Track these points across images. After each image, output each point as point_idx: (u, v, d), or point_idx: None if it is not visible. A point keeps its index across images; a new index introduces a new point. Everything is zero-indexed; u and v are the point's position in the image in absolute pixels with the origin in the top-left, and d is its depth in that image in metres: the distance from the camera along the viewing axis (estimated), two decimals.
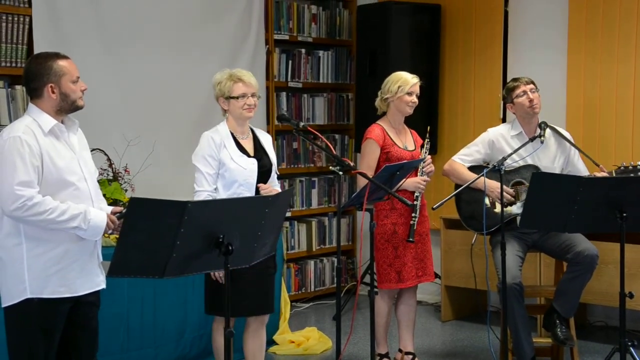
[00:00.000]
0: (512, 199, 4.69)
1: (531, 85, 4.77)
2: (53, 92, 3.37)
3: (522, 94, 4.75)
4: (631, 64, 5.77)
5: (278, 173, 4.42)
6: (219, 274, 4.07)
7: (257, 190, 4.17)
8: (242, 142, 4.24)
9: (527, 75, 4.88)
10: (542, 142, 4.69)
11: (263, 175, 4.22)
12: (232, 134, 4.22)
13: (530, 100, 4.72)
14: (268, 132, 6.07)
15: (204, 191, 4.11)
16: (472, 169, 4.86)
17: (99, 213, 3.38)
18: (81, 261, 3.40)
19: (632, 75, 5.77)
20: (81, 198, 3.38)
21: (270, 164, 4.29)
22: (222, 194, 4.13)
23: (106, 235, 3.59)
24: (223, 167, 4.14)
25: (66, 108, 3.41)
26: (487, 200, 4.72)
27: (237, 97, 4.20)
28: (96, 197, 3.49)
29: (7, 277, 3.33)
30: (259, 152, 4.27)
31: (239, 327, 4.43)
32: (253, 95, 4.23)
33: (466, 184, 4.62)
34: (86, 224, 3.32)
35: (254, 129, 4.37)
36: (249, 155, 4.21)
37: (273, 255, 4.24)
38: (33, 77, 3.40)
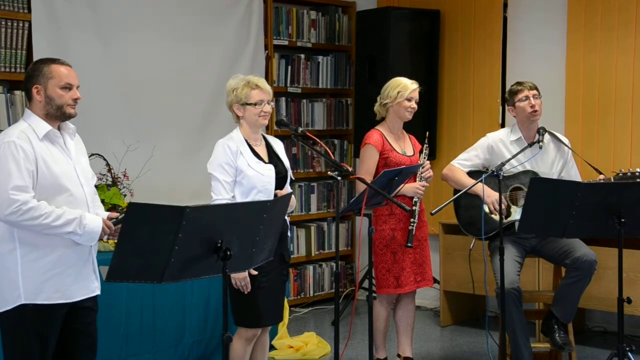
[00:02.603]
0: (506, 209, 4.69)
1: (534, 92, 4.76)
2: (38, 94, 3.37)
3: (524, 99, 4.75)
4: (630, 69, 5.78)
5: (293, 178, 4.40)
6: (240, 283, 4.02)
7: (275, 196, 4.13)
8: (256, 149, 4.20)
9: (526, 80, 4.88)
10: (540, 147, 4.70)
11: (279, 181, 4.19)
12: (246, 141, 4.19)
13: (532, 106, 4.72)
14: None
15: (222, 199, 4.06)
16: (471, 174, 4.86)
17: (95, 218, 3.37)
18: (76, 267, 3.40)
19: (630, 79, 5.78)
20: (76, 203, 3.37)
21: (286, 170, 4.26)
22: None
23: (104, 240, 3.59)
24: (240, 174, 4.09)
25: (52, 113, 3.39)
26: (486, 208, 4.72)
27: (255, 104, 4.16)
28: (92, 203, 3.48)
29: (1, 282, 3.33)
30: (274, 159, 4.24)
31: None
32: (268, 102, 4.20)
33: (464, 190, 4.63)
34: (81, 229, 3.31)
35: (266, 135, 4.34)
36: (264, 162, 4.19)
37: (286, 262, 4.24)
38: (26, 78, 3.43)
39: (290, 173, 4.31)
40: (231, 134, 4.21)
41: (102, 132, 5.34)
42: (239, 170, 4.10)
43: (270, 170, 4.15)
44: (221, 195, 4.07)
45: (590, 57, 5.94)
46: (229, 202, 4.04)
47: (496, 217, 4.56)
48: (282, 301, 4.32)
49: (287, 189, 4.25)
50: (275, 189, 4.16)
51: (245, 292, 4.02)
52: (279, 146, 4.35)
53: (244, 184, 4.10)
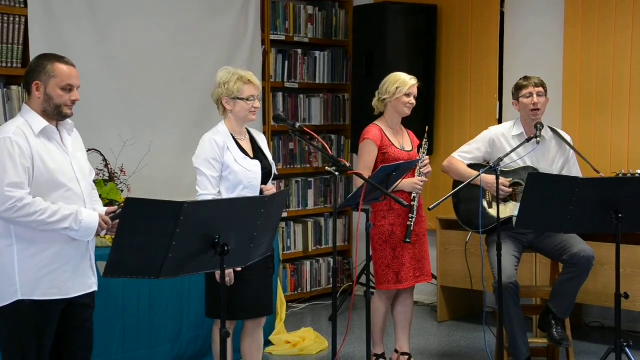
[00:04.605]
0: (509, 190, 4.70)
1: (540, 89, 4.75)
2: (37, 90, 3.36)
3: (528, 95, 4.74)
4: (627, 64, 5.78)
5: (277, 173, 4.38)
6: (227, 277, 4.00)
7: (261, 192, 4.13)
8: (241, 143, 4.18)
9: (532, 74, 4.87)
10: (537, 142, 4.69)
11: (264, 176, 4.17)
12: (231, 135, 4.17)
13: (534, 104, 4.71)
14: (264, 132, 6.11)
15: (208, 194, 4.04)
16: (470, 167, 4.86)
17: (91, 214, 3.36)
18: (73, 263, 3.39)
19: (627, 73, 5.78)
20: (73, 199, 3.37)
21: (270, 165, 4.24)
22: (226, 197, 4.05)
23: (102, 236, 3.58)
24: (227, 169, 4.07)
25: (50, 111, 3.38)
26: (484, 204, 4.72)
27: (247, 99, 4.13)
28: (89, 199, 3.48)
29: None
30: (258, 154, 4.22)
31: (237, 329, 4.42)
32: (258, 98, 4.17)
33: (462, 185, 4.62)
34: (77, 225, 3.30)
35: (250, 129, 4.33)
36: (250, 157, 4.17)
37: (272, 255, 4.23)
38: (27, 73, 3.42)
39: (274, 168, 4.29)
40: (217, 127, 4.18)
41: (98, 127, 5.32)
42: (225, 166, 4.07)
43: (256, 167, 4.13)
44: (207, 190, 4.05)
45: (588, 50, 5.94)
46: (215, 197, 4.03)
47: (494, 210, 4.56)
48: (269, 294, 4.30)
49: (270, 185, 4.24)
50: (260, 184, 4.15)
51: (228, 285, 4.01)
52: (262, 140, 4.32)
53: (231, 180, 4.08)
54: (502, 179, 4.52)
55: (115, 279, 3.20)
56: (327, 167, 4.05)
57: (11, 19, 5.05)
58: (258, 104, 4.17)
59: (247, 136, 4.26)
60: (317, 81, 6.96)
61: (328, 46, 7.03)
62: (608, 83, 5.86)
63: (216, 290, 4.07)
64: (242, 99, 4.12)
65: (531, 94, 4.73)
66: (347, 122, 7.12)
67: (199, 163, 4.09)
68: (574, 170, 4.86)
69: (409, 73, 4.86)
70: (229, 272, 3.98)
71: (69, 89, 3.38)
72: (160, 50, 5.82)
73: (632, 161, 5.67)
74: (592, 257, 4.58)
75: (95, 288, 3.52)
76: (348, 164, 4.07)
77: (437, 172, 5.26)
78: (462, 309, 6.34)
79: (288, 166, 6.74)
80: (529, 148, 4.69)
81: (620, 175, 4.57)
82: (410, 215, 4.73)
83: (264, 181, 4.18)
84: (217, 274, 3.95)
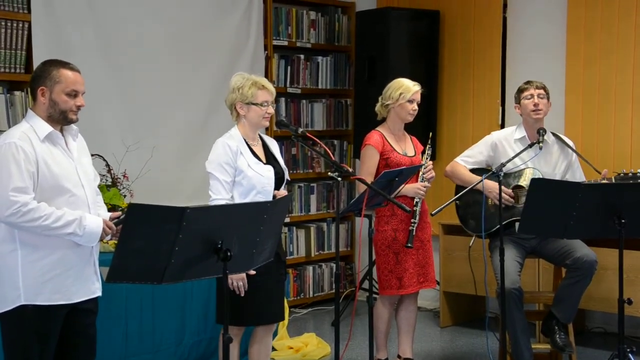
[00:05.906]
0: (512, 200, 4.70)
1: (541, 91, 4.77)
2: (43, 96, 3.37)
3: (529, 97, 4.76)
4: (629, 70, 5.78)
5: (289, 179, 4.38)
6: (236, 284, 3.99)
7: (274, 197, 4.10)
8: (254, 148, 4.17)
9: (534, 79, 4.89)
10: (540, 148, 4.69)
11: (276, 182, 4.16)
12: (244, 140, 4.16)
13: (535, 105, 4.73)
14: None
15: (222, 199, 4.02)
16: (473, 171, 4.87)
17: (95, 219, 3.37)
18: (77, 268, 3.39)
19: (630, 79, 5.78)
20: (77, 204, 3.37)
21: (283, 171, 4.23)
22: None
23: (105, 241, 3.58)
24: (240, 174, 4.06)
25: (55, 117, 3.39)
26: (490, 202, 4.73)
27: (261, 104, 4.12)
28: (93, 204, 3.48)
29: (2, 283, 3.33)
30: (270, 159, 4.22)
31: (246, 332, 4.42)
32: (272, 103, 4.17)
33: (464, 190, 4.62)
34: (81, 230, 3.31)
35: (262, 135, 4.31)
36: (263, 163, 4.16)
37: (284, 261, 4.23)
38: (33, 78, 3.43)
39: (286, 174, 4.29)
40: (230, 132, 4.17)
41: (101, 133, 5.33)
42: (238, 171, 4.06)
43: (269, 172, 4.13)
44: (220, 195, 4.04)
45: (590, 55, 5.94)
46: (228, 202, 4.02)
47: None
48: (280, 300, 4.30)
49: (282, 190, 4.23)
50: (273, 189, 4.14)
51: (242, 294, 3.99)
52: (274, 146, 4.32)
53: (244, 185, 4.07)
54: (504, 187, 4.52)
55: (118, 285, 3.20)
56: (329, 173, 4.06)
57: (14, 24, 5.06)
58: (272, 109, 4.17)
59: (260, 142, 4.25)
60: (320, 86, 6.96)
61: (330, 51, 7.04)
62: (610, 85, 5.86)
63: (229, 297, 4.06)
64: (256, 104, 4.12)
65: (532, 95, 4.75)
66: (350, 127, 7.12)
67: (213, 168, 4.08)
68: (577, 174, 4.87)
69: (412, 78, 4.86)
70: (242, 277, 3.97)
71: (74, 94, 3.39)
72: (163, 55, 5.83)
73: (635, 161, 5.66)
74: (595, 261, 4.58)
75: (98, 293, 3.52)
76: (350, 169, 4.06)
77: (439, 177, 5.25)
78: (465, 315, 6.33)
79: (290, 171, 6.72)
80: (532, 153, 4.69)
81: (622, 174, 4.58)
82: (412, 220, 4.73)
83: (277, 187, 4.17)
84: (230, 279, 3.94)
